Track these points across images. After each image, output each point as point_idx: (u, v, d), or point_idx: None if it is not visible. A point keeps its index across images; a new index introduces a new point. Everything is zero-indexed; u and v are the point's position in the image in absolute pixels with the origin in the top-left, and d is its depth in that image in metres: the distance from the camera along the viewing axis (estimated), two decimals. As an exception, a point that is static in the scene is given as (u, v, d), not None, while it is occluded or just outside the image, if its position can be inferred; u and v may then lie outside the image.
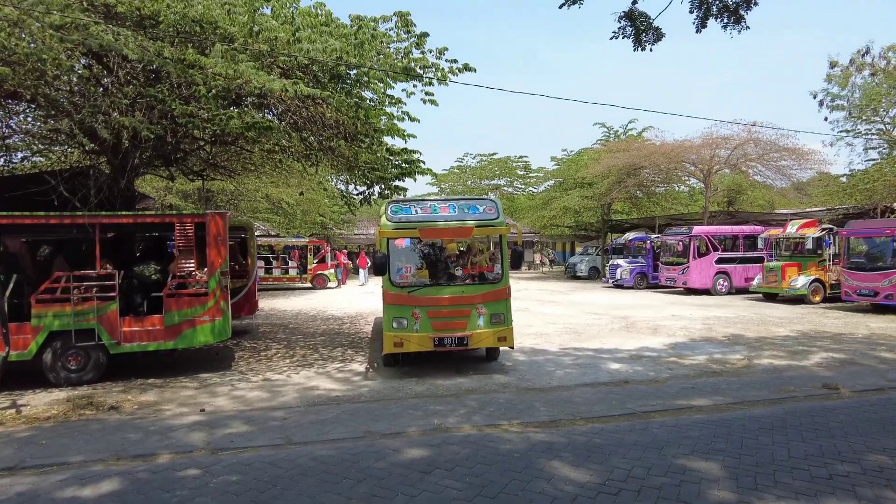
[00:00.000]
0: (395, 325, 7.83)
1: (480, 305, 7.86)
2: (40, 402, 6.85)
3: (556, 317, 14.31)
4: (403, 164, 11.61)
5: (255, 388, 7.33)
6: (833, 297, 16.46)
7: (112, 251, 9.41)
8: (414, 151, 11.87)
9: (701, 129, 51.35)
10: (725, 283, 20.32)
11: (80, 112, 8.51)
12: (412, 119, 11.84)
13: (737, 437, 5.16)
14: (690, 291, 20.70)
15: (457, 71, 11.01)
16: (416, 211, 8.15)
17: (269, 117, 10.77)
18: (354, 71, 10.91)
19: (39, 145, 13.14)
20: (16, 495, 4.21)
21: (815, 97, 24.75)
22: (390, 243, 8.26)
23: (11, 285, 7.41)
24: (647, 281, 23.54)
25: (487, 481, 4.26)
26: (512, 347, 8.14)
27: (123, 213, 9.03)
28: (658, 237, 23.92)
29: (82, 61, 9.93)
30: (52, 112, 9.82)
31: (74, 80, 9.26)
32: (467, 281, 8.44)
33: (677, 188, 33.27)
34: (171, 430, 5.66)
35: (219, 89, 8.23)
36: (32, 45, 7.92)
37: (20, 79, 8.07)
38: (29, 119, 12.14)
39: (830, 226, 17.68)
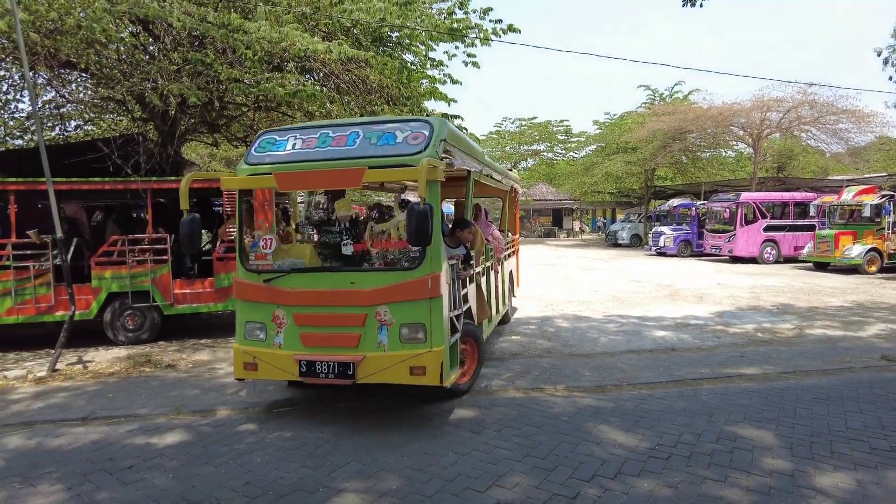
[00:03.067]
0: (246, 335, 4.96)
1: (383, 308, 4.55)
2: (103, 358, 7.21)
3: (599, 284, 14.17)
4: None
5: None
6: (890, 267, 15.78)
7: (163, 216, 9.70)
8: (455, 117, 11.73)
9: (751, 92, 49.22)
10: (773, 252, 19.69)
11: (130, 79, 8.68)
12: (454, 82, 11.70)
13: (790, 407, 5.05)
14: (736, 260, 20.16)
15: (500, 32, 10.76)
16: (293, 145, 4.97)
17: (311, 81, 10.78)
18: (396, 33, 10.78)
19: (91, 114, 13.51)
20: (90, 443, 4.47)
21: (878, 55, 23.30)
22: (244, 199, 5.48)
23: (73, 248, 7.72)
24: (690, 249, 23.01)
25: (536, 443, 4.30)
26: (444, 387, 4.56)
27: (173, 178, 9.26)
28: (703, 204, 23.25)
29: (129, 29, 10.09)
30: (103, 80, 10.04)
31: (122, 48, 9.43)
32: (364, 265, 5.05)
33: (724, 153, 32.12)
34: (225, 387, 5.88)
35: (263, 53, 8.24)
36: (82, 14, 8.08)
37: (73, 48, 8.26)
38: (81, 88, 12.47)
39: (891, 192, 16.82)
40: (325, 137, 4.94)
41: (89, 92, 12.00)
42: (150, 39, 10.40)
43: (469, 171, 5.59)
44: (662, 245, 23.32)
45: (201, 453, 4.23)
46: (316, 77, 11.02)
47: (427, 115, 11.83)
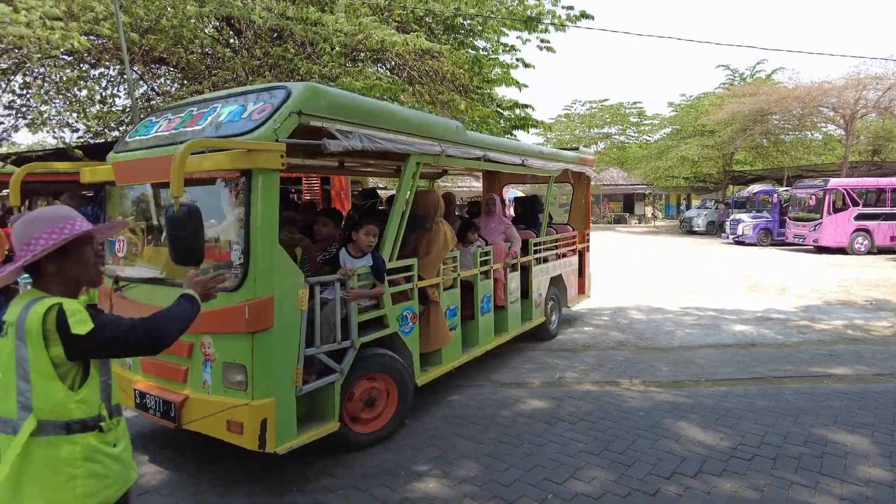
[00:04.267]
0: None
1: (207, 339, 3.48)
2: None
3: (673, 274, 13.75)
4: (515, 118, 11.43)
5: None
6: None
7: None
8: (525, 106, 11.62)
9: (844, 70, 45.80)
10: (865, 242, 18.40)
11: (215, 74, 9.15)
12: (527, 66, 11.57)
13: (888, 412, 4.78)
14: (822, 250, 18.99)
15: (574, 18, 10.54)
16: (158, 127, 4.09)
17: (381, 71, 10.97)
18: (469, 21, 10.77)
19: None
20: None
21: None
22: (113, 193, 4.39)
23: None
24: (771, 238, 21.85)
25: (613, 437, 4.30)
26: (271, 452, 3.38)
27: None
28: (787, 190, 21.99)
29: (213, 24, 10.60)
30: (190, 74, 10.62)
31: (205, 43, 9.92)
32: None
33: (810, 136, 30.15)
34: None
35: (341, 46, 8.46)
36: (174, 15, 8.57)
37: (165, 47, 8.78)
38: (168, 82, 13.22)
39: None
40: (188, 116, 3.95)
41: (176, 85, 12.72)
42: (232, 34, 10.90)
43: (409, 154, 4.37)
44: (741, 233, 22.28)
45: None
46: (386, 67, 11.21)
47: (524, 114, 11.74)
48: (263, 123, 3.38)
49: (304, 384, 3.59)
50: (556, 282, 7.36)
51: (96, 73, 11.76)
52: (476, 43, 11.54)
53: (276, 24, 8.32)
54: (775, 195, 22.45)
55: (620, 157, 42.10)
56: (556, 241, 7.33)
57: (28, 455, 1.64)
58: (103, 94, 12.04)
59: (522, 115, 11.36)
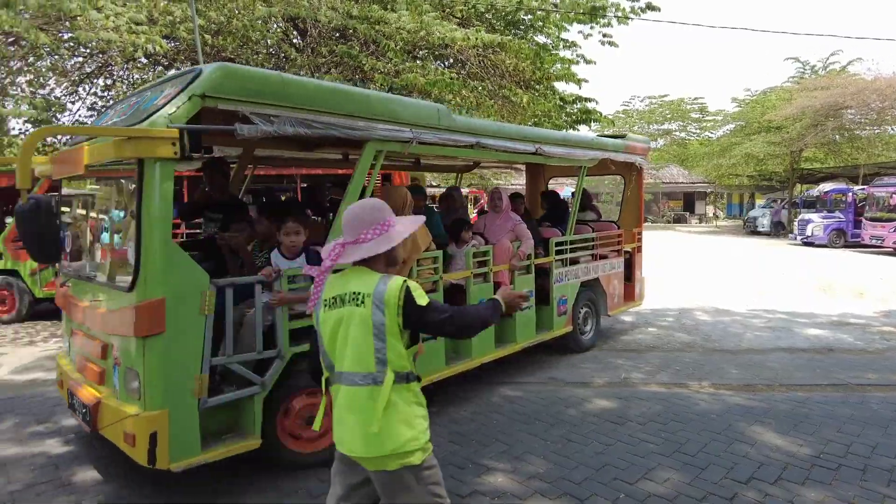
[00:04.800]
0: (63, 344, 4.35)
1: (115, 340, 3.28)
2: None
3: (738, 275, 13.25)
4: (577, 112, 11.26)
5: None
6: None
7: (310, 202, 10.47)
8: (588, 99, 11.43)
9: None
10: (952, 244, 17.19)
11: (285, 72, 9.41)
12: (588, 62, 11.39)
13: None
14: (903, 252, 17.88)
15: (639, 11, 10.30)
16: (108, 119, 3.98)
17: (441, 67, 11.02)
18: (530, 16, 10.68)
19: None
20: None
21: None
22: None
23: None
24: (844, 239, 20.71)
25: (684, 439, 4.19)
26: (162, 468, 3.03)
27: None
28: (863, 189, 20.78)
29: (277, 24, 10.91)
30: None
31: (271, 42, 10.21)
32: (98, 277, 3.93)
33: (891, 130, 28.34)
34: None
35: (404, 43, 8.56)
36: (240, 12, 8.87)
37: (234, 47, 9.10)
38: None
39: None
40: (126, 106, 3.82)
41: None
42: (296, 34, 11.19)
43: (366, 141, 3.91)
44: (810, 234, 21.21)
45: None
46: (445, 64, 11.25)
47: (586, 107, 11.45)
48: (160, 109, 3.09)
49: (214, 395, 3.24)
50: (592, 286, 6.65)
51: (169, 74, 12.29)
52: (536, 38, 11.43)
53: (341, 23, 8.49)
54: (850, 194, 21.27)
55: (681, 155, 40.83)
56: (589, 240, 6.56)
57: (391, 399, 2.01)
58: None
59: (585, 108, 11.18)
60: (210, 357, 3.20)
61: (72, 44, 9.64)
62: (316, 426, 2.28)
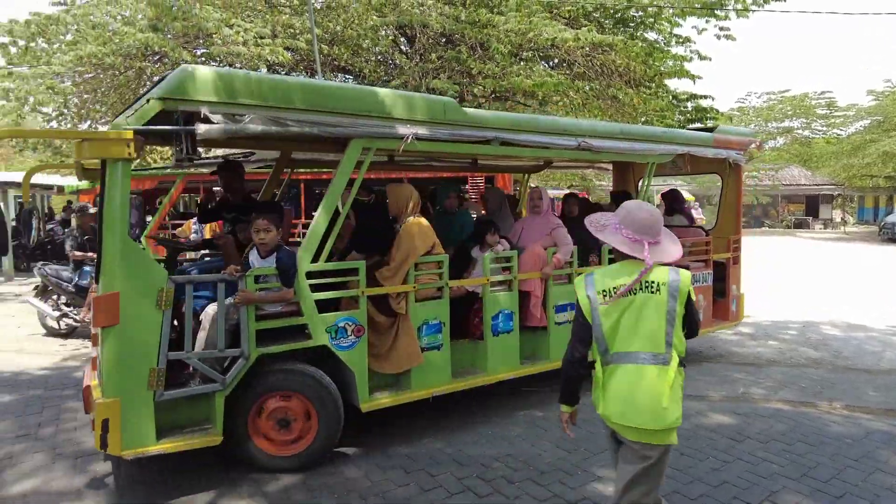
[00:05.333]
0: None
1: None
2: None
3: (873, 287, 12.01)
4: (692, 111, 10.73)
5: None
6: None
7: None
8: (703, 96, 10.84)
9: None
10: None
11: (394, 80, 9.74)
12: (702, 58, 10.83)
13: None
14: None
15: (761, 2, 9.65)
16: None
17: (546, 68, 10.91)
18: (641, 12, 10.33)
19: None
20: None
21: None
22: None
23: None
24: None
25: (813, 463, 3.87)
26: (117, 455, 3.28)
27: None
28: None
29: (384, 32, 11.31)
30: (365, 82, 11.42)
31: (383, 51, 10.58)
32: None
33: None
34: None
35: (513, 45, 8.58)
36: (351, 22, 9.28)
37: (347, 56, 9.55)
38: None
39: None
40: None
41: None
42: (404, 41, 11.54)
43: (350, 138, 3.75)
44: (964, 242, 18.77)
45: (462, 424, 4.67)
46: (550, 64, 11.12)
47: (701, 105, 10.84)
48: (122, 112, 3.29)
49: (178, 389, 3.41)
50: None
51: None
52: (647, 36, 11.02)
53: (451, 28, 8.65)
54: None
55: (803, 154, 37.61)
56: (700, 247, 5.91)
57: (674, 379, 2.31)
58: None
59: (700, 106, 10.62)
60: (168, 351, 3.30)
61: (204, 58, 10.57)
62: (593, 400, 2.51)
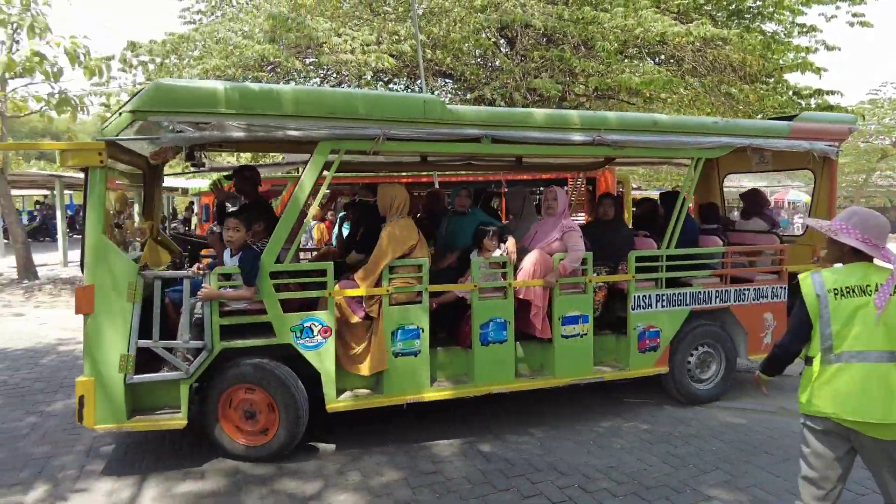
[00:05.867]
0: None
1: None
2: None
3: None
4: (816, 108, 9.88)
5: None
6: None
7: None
8: (830, 92, 9.93)
9: None
10: None
11: (494, 81, 9.76)
12: (829, 48, 9.95)
13: None
14: None
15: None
16: None
17: (652, 65, 10.47)
18: (758, 2, 9.66)
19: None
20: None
21: None
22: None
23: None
24: None
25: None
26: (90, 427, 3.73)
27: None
28: None
29: (485, 35, 11.34)
30: (465, 84, 11.52)
31: (486, 52, 10.62)
32: None
33: None
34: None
35: (618, 42, 8.33)
36: (454, 26, 9.38)
37: (448, 59, 9.68)
38: (442, 93, 14.54)
39: None
40: None
41: (449, 96, 13.93)
42: (504, 42, 11.53)
43: (318, 141, 3.85)
44: None
45: (563, 429, 4.59)
46: (656, 61, 10.67)
47: (826, 102, 9.96)
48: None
49: (146, 374, 3.69)
50: (717, 319, 5.20)
51: (382, 89, 13.42)
52: (764, 27, 10.28)
53: (554, 26, 8.54)
54: None
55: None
56: (703, 256, 5.07)
57: None
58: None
59: (826, 103, 9.76)
60: (137, 339, 3.61)
61: (313, 67, 11.14)
62: (802, 399, 2.56)
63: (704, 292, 5.01)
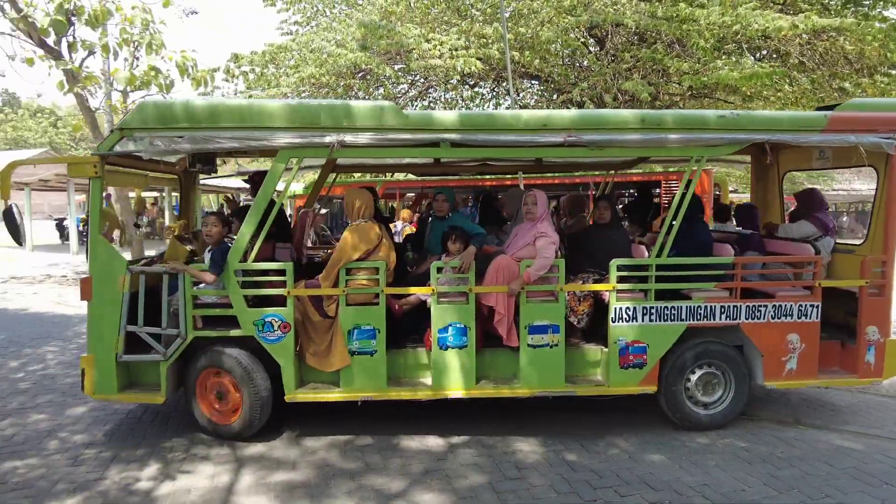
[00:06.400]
0: None
1: None
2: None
3: None
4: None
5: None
6: None
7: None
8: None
9: None
10: None
11: (584, 82, 9.55)
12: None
13: None
14: None
15: None
16: None
17: (752, 60, 9.85)
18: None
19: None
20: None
21: None
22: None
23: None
24: None
25: None
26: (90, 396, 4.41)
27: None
28: None
29: (573, 34, 11.12)
30: (552, 86, 11.36)
31: (576, 53, 10.42)
32: None
33: None
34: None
35: (714, 40, 7.92)
36: (542, 27, 9.26)
37: (537, 61, 9.58)
38: (528, 95, 14.41)
39: None
40: None
41: (535, 97, 13.79)
42: (593, 42, 11.27)
43: (279, 149, 4.19)
44: None
45: (652, 440, 4.40)
46: (756, 56, 10.03)
47: (859, 83, 8.96)
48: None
49: (132, 354, 4.21)
50: (725, 337, 4.57)
51: (469, 93, 13.48)
52: (887, 14, 9.40)
53: (647, 25, 8.25)
54: None
55: None
56: (706, 266, 4.46)
57: None
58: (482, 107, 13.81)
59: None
60: (126, 324, 4.15)
61: (401, 72, 11.39)
62: None
63: (704, 307, 4.41)
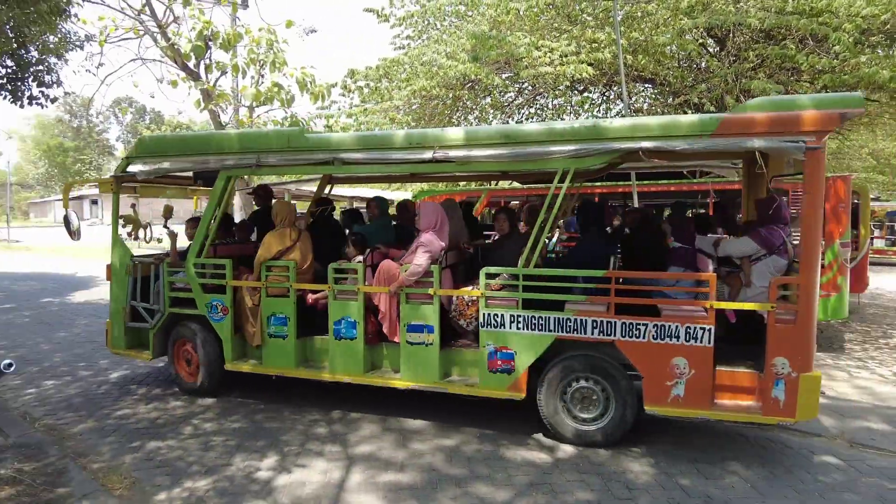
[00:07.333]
0: None
1: None
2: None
3: None
4: None
5: (885, 383, 6.28)
6: None
7: (722, 216, 9.83)
8: None
9: None
10: None
11: (701, 84, 9.03)
12: None
13: None
14: None
15: None
16: None
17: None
18: None
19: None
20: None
21: None
22: None
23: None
24: None
25: None
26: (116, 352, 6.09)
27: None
28: None
29: (689, 35, 10.53)
30: (667, 89, 10.80)
31: (692, 55, 9.86)
32: None
33: None
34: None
35: (859, 32, 7.18)
36: (656, 29, 8.84)
37: (651, 65, 9.18)
38: (640, 99, 13.83)
39: None
40: None
41: (648, 101, 13.19)
42: (712, 42, 10.60)
43: (219, 170, 5.29)
44: None
45: (780, 473, 4.04)
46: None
47: None
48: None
49: (131, 321, 5.83)
50: (601, 353, 4.32)
51: (578, 98, 13.12)
52: None
53: (774, 23, 7.65)
54: None
55: None
56: (571, 279, 4.37)
57: None
58: (590, 116, 13.46)
59: None
60: (131, 300, 5.76)
61: (510, 81, 11.37)
62: None
63: (574, 320, 4.28)
